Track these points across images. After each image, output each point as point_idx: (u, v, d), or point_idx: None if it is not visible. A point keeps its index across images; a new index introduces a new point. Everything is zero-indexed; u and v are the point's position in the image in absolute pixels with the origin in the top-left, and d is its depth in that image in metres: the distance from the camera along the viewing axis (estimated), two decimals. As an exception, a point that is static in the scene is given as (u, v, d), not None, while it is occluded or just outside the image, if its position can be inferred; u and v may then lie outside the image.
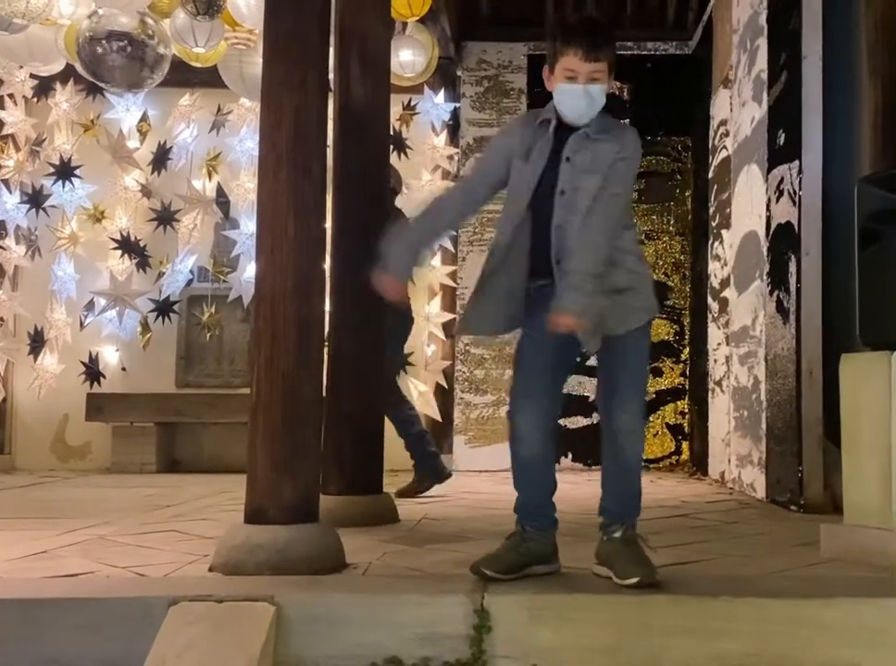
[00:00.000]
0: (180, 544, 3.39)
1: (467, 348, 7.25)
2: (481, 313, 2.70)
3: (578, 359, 2.76)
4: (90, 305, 7.22)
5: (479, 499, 5.06)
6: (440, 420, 7.14)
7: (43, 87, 7.30)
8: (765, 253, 4.94)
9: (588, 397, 6.52)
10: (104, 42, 5.33)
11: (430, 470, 5.14)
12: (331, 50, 3.61)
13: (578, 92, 2.58)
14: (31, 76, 7.05)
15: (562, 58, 2.59)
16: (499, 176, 2.70)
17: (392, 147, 5.48)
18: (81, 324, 7.23)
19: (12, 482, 6.08)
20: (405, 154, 7.27)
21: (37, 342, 7.23)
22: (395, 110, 6.89)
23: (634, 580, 2.47)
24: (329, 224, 3.68)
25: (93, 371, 7.23)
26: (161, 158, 7.35)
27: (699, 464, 6.79)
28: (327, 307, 3.41)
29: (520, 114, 2.88)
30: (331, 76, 3.99)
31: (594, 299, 2.50)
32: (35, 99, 7.39)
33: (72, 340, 7.20)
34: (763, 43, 5.17)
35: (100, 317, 7.21)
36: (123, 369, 7.25)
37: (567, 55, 2.57)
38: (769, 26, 5.08)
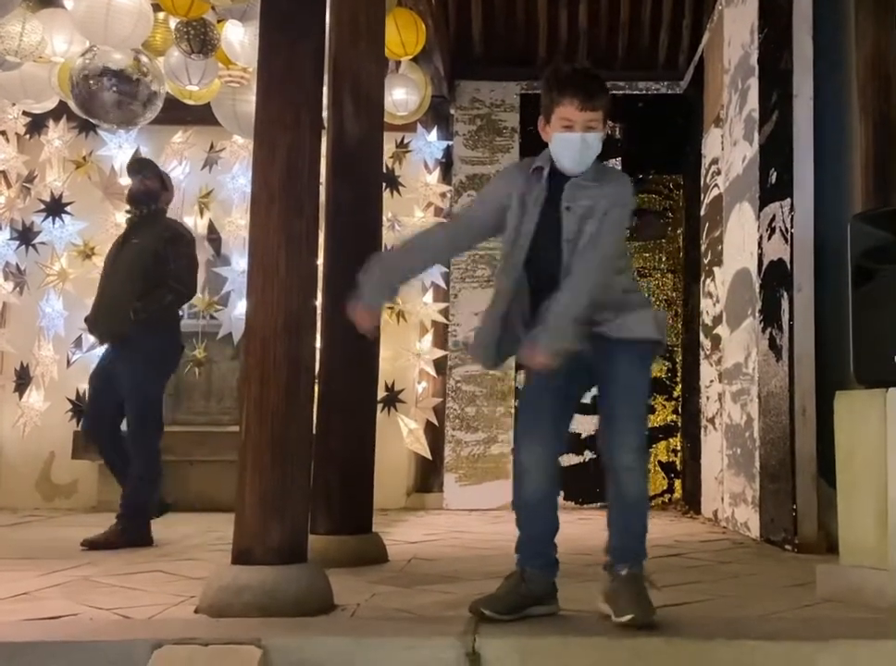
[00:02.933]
0: (165, 585, 3.33)
1: (458, 385, 7.22)
2: (484, 345, 2.75)
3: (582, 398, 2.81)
4: (78, 342, 7.17)
5: (469, 538, 5.00)
6: (430, 458, 7.09)
7: (36, 124, 7.31)
8: (758, 291, 4.94)
9: (580, 434, 6.46)
10: (97, 79, 5.34)
11: (139, 529, 4.62)
12: (325, 88, 3.62)
13: (576, 140, 2.61)
14: (24, 113, 7.07)
15: (558, 108, 2.62)
16: (489, 224, 2.73)
17: (384, 184, 5.49)
18: (69, 361, 7.18)
19: (-4, 521, 6.00)
20: (398, 192, 7.28)
21: (23, 379, 7.18)
22: (388, 148, 6.93)
23: (627, 618, 2.45)
24: (320, 260, 3.67)
25: (79, 408, 7.15)
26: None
27: (691, 503, 6.74)
28: (317, 344, 3.39)
29: (514, 162, 2.90)
30: (325, 114, 4.00)
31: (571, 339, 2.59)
32: (28, 136, 7.40)
33: (59, 377, 7.14)
34: (754, 82, 5.21)
35: (88, 354, 7.16)
36: (111, 406, 7.18)
37: (564, 105, 2.61)
38: (760, 66, 5.12)
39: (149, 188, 4.92)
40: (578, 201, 2.61)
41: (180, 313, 5.01)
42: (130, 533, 4.55)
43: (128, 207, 5.01)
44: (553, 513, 2.72)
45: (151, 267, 4.72)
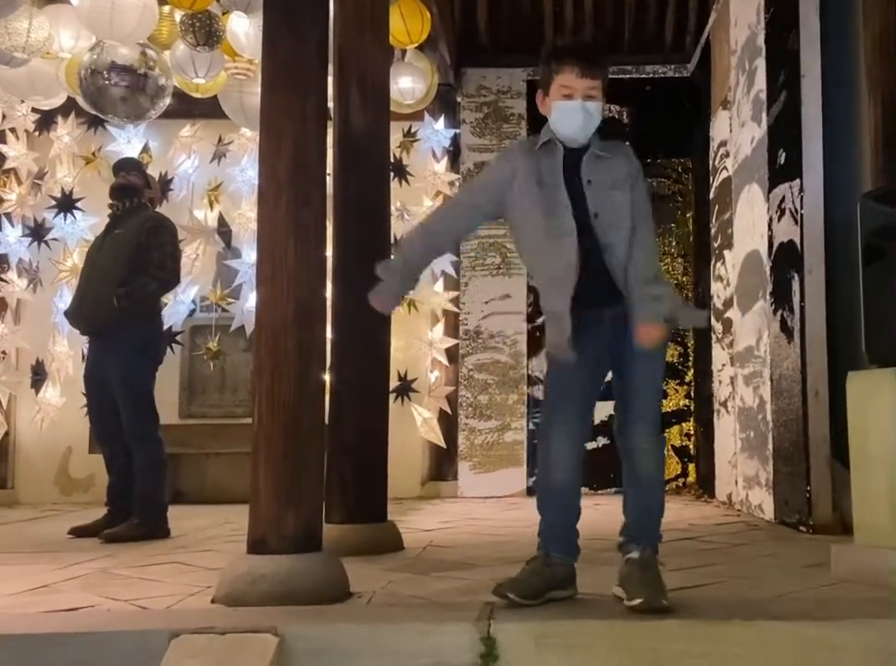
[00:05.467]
0: (182, 576, 3.36)
1: (471, 373, 7.22)
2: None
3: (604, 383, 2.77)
4: (92, 337, 7.20)
5: (484, 525, 5.01)
6: (444, 446, 7.10)
7: (45, 121, 7.35)
8: (768, 273, 4.93)
9: (593, 420, 6.45)
10: (105, 74, 5.36)
11: (155, 520, 4.65)
12: (330, 78, 3.62)
13: (576, 108, 2.60)
14: (33, 110, 7.10)
15: (558, 76, 2.62)
16: (491, 205, 2.70)
17: (392, 174, 5.48)
18: (83, 356, 7.20)
19: (15, 516, 6.05)
20: (406, 181, 7.28)
21: (39, 375, 7.22)
22: (396, 137, 6.93)
23: (637, 602, 2.44)
24: (329, 252, 3.68)
25: (96, 403, 7.20)
26: (162, 189, 7.36)
27: (705, 486, 6.74)
28: (328, 335, 3.40)
29: (517, 141, 2.85)
30: (331, 104, 4.00)
31: (664, 301, 2.59)
32: (37, 133, 7.44)
33: (74, 372, 7.17)
34: (761, 63, 5.19)
35: (103, 349, 7.19)
36: (126, 400, 7.22)
37: (563, 73, 2.61)
38: (767, 46, 5.09)
39: (131, 182, 4.96)
40: (598, 173, 2.61)
41: (163, 302, 5.01)
42: (147, 525, 4.57)
43: (110, 201, 5.01)
44: (577, 500, 2.72)
45: (133, 256, 4.73)
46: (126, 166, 5.08)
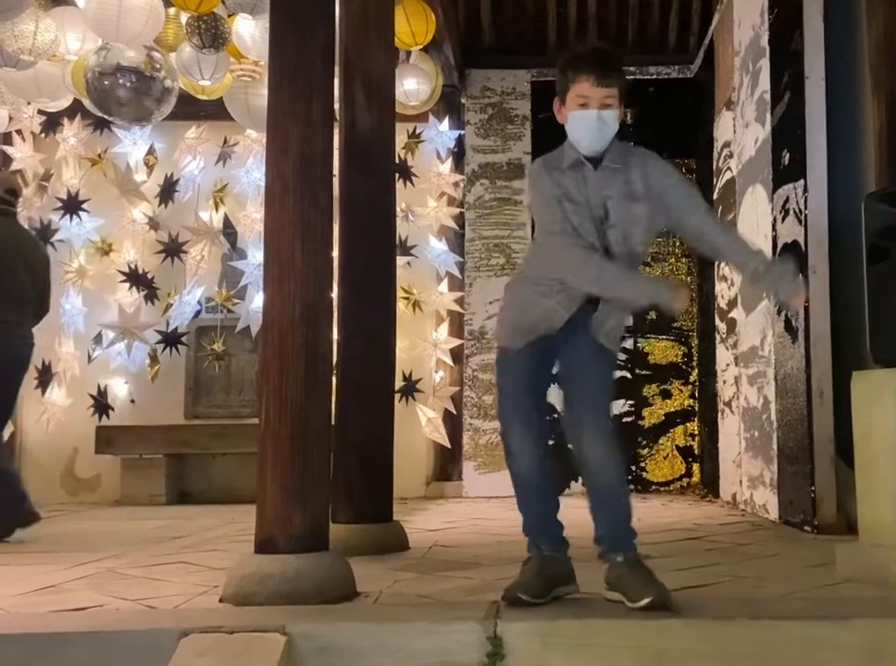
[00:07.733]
0: (189, 575, 3.37)
1: (475, 374, 7.24)
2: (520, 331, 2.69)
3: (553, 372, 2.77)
4: (98, 338, 7.24)
5: (489, 525, 5.03)
6: (449, 446, 7.12)
7: (51, 123, 7.38)
8: (773, 273, 4.92)
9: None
10: (111, 76, 5.38)
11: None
12: (336, 80, 3.64)
13: (592, 117, 2.60)
14: (39, 112, 7.12)
15: (574, 86, 2.62)
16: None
17: (397, 175, 5.50)
18: (90, 357, 7.25)
19: (22, 516, 6.04)
20: (411, 182, 7.30)
21: (45, 376, 7.24)
22: (401, 138, 6.95)
23: (646, 601, 2.44)
24: (335, 252, 3.70)
25: (101, 404, 7.23)
26: (168, 191, 7.40)
27: (710, 486, 6.75)
28: (334, 335, 3.41)
29: (537, 164, 2.82)
30: (337, 105, 4.01)
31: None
32: (43, 135, 7.47)
33: (81, 374, 7.21)
34: (765, 64, 5.19)
35: (108, 350, 7.22)
36: (132, 401, 7.25)
37: (580, 82, 2.60)
38: (771, 47, 5.10)
39: None
40: (616, 186, 2.61)
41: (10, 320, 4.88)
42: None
43: None
44: (551, 491, 2.71)
45: None
46: None
